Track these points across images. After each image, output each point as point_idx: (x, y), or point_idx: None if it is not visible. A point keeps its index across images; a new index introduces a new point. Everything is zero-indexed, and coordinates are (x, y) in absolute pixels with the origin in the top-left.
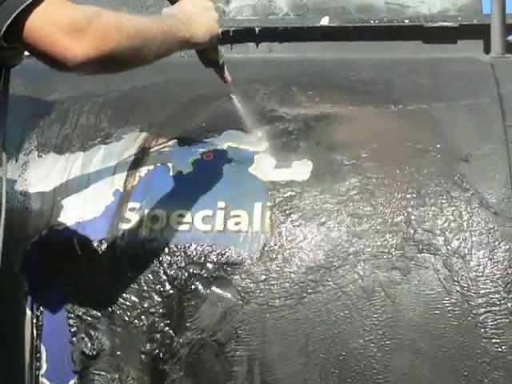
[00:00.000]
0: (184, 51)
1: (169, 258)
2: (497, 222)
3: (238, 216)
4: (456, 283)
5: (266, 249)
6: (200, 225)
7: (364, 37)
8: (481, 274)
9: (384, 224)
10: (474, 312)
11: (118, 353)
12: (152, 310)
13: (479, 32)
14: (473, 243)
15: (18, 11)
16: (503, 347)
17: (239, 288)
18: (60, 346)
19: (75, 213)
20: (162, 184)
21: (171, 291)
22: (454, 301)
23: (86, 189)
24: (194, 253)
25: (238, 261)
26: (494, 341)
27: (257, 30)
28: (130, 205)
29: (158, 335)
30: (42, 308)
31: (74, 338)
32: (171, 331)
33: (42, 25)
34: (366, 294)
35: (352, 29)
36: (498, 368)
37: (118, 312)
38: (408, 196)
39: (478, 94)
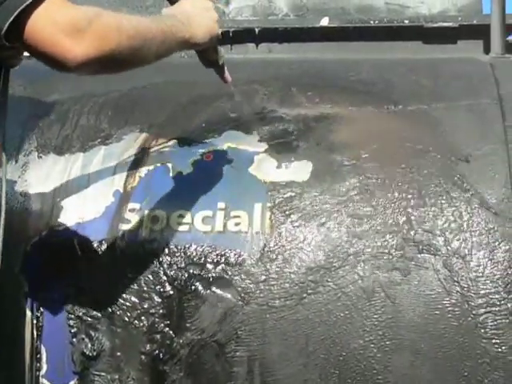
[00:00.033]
0: (184, 51)
1: (169, 259)
2: (497, 223)
3: (238, 217)
4: (456, 284)
5: (265, 249)
6: (200, 225)
7: (364, 37)
8: (481, 274)
9: (384, 224)
10: (474, 312)
11: (118, 353)
12: (152, 310)
13: (479, 32)
14: (473, 243)
15: (19, 10)
16: (503, 347)
17: (239, 289)
18: (60, 347)
19: (75, 213)
20: (162, 184)
21: (171, 292)
22: (454, 301)
23: (86, 189)
24: (194, 253)
25: (238, 261)
26: (494, 341)
27: (256, 30)
28: (130, 205)
29: (158, 336)
30: (42, 309)
31: (74, 339)
32: (171, 332)
33: (42, 25)
34: (366, 295)
35: (352, 29)
36: (498, 368)
37: (118, 313)
38: (408, 196)
39: (478, 95)
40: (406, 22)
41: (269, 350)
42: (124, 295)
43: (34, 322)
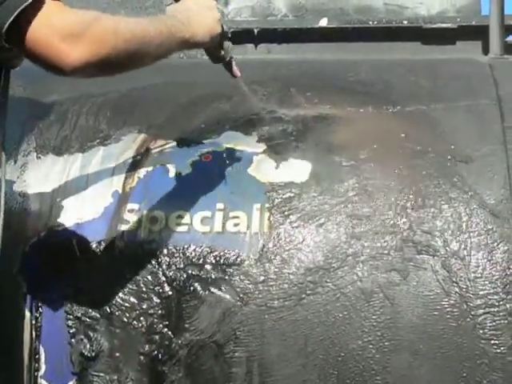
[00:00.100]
0: (183, 52)
1: (167, 260)
2: (495, 223)
3: (237, 217)
4: (455, 284)
5: (264, 250)
6: (199, 226)
7: (363, 38)
8: (479, 275)
9: (383, 225)
10: (472, 313)
11: (117, 354)
12: (151, 311)
13: (478, 33)
14: (472, 244)
15: (19, 10)
16: (502, 348)
17: (238, 289)
18: (59, 348)
19: (74, 214)
20: (161, 185)
21: (170, 292)
22: (452, 302)
23: (85, 190)
24: (193, 254)
25: (237, 262)
26: (492, 342)
27: (255, 31)
28: (129, 206)
29: (157, 336)
30: (40, 309)
31: (72, 340)
32: (170, 332)
33: (39, 29)
34: (365, 296)
35: (351, 30)
36: (497, 369)
37: (116, 313)
38: (407, 197)
39: (477, 95)
40: (405, 22)
41: (267, 350)
42: (123, 296)
43: (33, 322)
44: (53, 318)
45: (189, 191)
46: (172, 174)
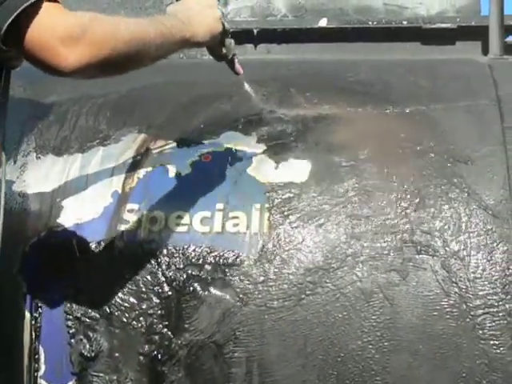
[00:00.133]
0: (183, 52)
1: (167, 260)
2: (495, 224)
3: (237, 217)
4: (454, 285)
5: (264, 250)
6: (198, 226)
7: (362, 38)
8: (479, 275)
9: (382, 226)
10: (472, 313)
11: (117, 354)
12: (150, 311)
13: (477, 33)
14: (471, 245)
15: (18, 11)
16: (501, 348)
17: (238, 289)
18: (58, 348)
19: (74, 214)
20: (161, 185)
21: (169, 293)
22: (452, 302)
23: (85, 190)
24: (193, 254)
25: (237, 262)
26: (492, 342)
27: (255, 31)
28: (129, 206)
29: (157, 337)
30: (40, 309)
31: (72, 340)
32: (169, 333)
33: (38, 31)
34: (365, 296)
35: (350, 30)
36: (497, 369)
37: (116, 313)
38: (406, 198)
39: (476, 96)
40: (405, 23)
41: (267, 350)
42: (122, 296)
43: (33, 322)
44: (52, 318)
45: (188, 191)
46: (172, 174)
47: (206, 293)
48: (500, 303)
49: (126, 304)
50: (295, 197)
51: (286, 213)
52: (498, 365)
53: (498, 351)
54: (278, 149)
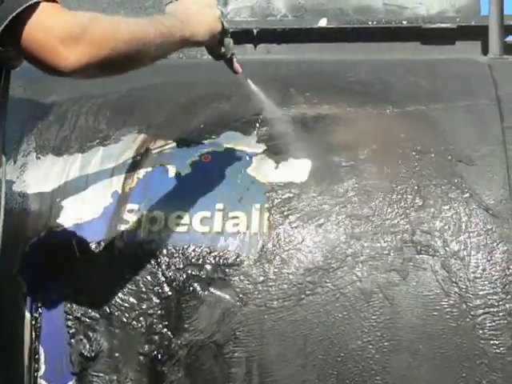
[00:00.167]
0: (183, 52)
1: (167, 260)
2: (495, 224)
3: (237, 217)
4: (454, 284)
5: (264, 250)
6: (198, 226)
7: (362, 38)
8: (479, 275)
9: (382, 226)
10: (472, 313)
11: (117, 354)
12: (150, 311)
13: (477, 33)
14: (471, 245)
15: (14, 14)
16: (501, 348)
17: (237, 289)
18: (58, 348)
19: (73, 214)
20: (161, 186)
21: (169, 293)
22: (452, 302)
23: (85, 190)
24: (193, 254)
25: (237, 262)
26: (492, 342)
27: (255, 31)
28: (129, 206)
29: (157, 337)
30: (40, 309)
31: (72, 340)
32: (169, 333)
33: (37, 31)
34: (364, 296)
35: (350, 30)
36: (497, 369)
37: (116, 313)
38: (406, 197)
39: (476, 95)
40: (405, 22)
41: (267, 350)
42: (122, 296)
43: (33, 322)
44: (52, 318)
45: (188, 191)
46: (172, 174)
47: (206, 293)
48: (500, 303)
49: (126, 304)
50: (295, 197)
51: (285, 213)
52: (497, 365)
53: (498, 351)
54: (277, 149)
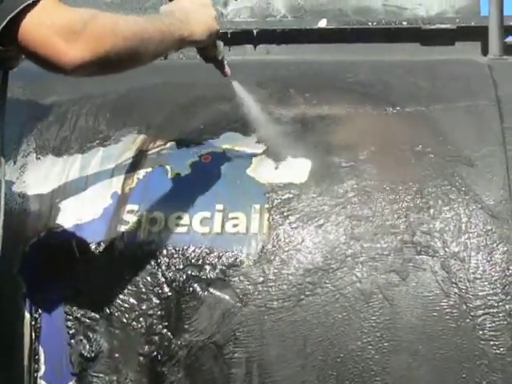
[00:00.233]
0: (182, 52)
1: (167, 260)
2: (495, 224)
3: (236, 218)
4: (454, 285)
5: (264, 251)
6: (198, 227)
7: (362, 39)
8: (479, 275)
9: (382, 226)
10: (472, 314)
11: (116, 355)
12: (150, 312)
13: (477, 34)
14: (471, 245)
15: (13, 13)
16: (501, 349)
17: (237, 290)
18: (58, 348)
19: (73, 215)
20: (160, 186)
21: (169, 293)
22: (452, 303)
23: (84, 191)
24: (192, 255)
25: (236, 263)
26: (492, 343)
27: (255, 32)
28: (128, 207)
29: (156, 337)
30: (40, 310)
31: (72, 340)
32: (169, 333)
33: (37, 28)
34: (364, 297)
35: (350, 31)
36: (497, 370)
37: (116, 314)
38: (406, 198)
39: (476, 96)
40: (404, 23)
41: (267, 351)
42: (122, 297)
43: (32, 323)
44: (52, 318)
45: (188, 192)
46: (171, 174)
47: (206, 293)
48: (500, 304)
49: (126, 305)
50: (295, 197)
51: (285, 213)
52: (497, 365)
53: (498, 352)
54: (277, 149)
